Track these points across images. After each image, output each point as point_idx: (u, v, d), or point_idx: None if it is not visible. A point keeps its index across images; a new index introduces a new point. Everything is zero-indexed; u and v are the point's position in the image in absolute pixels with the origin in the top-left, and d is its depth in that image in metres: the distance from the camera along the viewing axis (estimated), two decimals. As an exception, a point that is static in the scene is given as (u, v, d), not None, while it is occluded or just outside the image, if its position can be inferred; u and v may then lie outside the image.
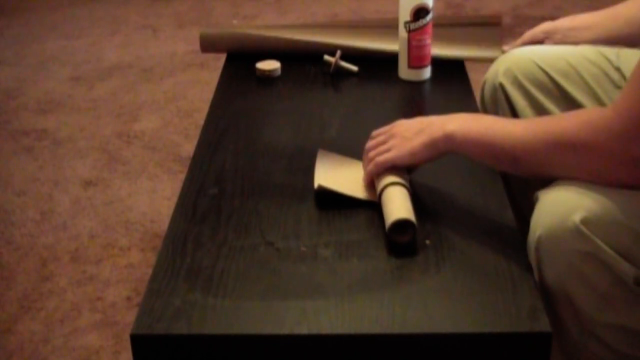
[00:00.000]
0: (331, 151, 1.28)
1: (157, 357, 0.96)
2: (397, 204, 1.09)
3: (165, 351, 0.95)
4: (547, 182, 1.05)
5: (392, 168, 1.15)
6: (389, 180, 1.13)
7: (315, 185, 1.18)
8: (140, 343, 0.95)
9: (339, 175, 1.21)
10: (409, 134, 1.14)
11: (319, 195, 1.18)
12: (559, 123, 1.01)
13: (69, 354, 1.60)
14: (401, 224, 1.06)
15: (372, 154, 1.17)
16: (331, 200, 1.17)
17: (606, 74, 1.31)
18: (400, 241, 1.07)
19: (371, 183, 1.17)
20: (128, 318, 1.67)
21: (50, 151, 2.37)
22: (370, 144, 1.19)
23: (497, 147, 1.05)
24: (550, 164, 1.02)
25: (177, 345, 0.95)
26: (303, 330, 0.94)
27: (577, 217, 0.95)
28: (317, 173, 1.21)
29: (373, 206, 1.15)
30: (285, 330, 0.94)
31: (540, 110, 1.32)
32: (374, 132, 1.20)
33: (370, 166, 1.16)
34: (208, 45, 1.70)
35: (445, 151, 1.10)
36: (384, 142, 1.16)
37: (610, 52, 1.34)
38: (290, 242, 1.09)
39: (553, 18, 1.57)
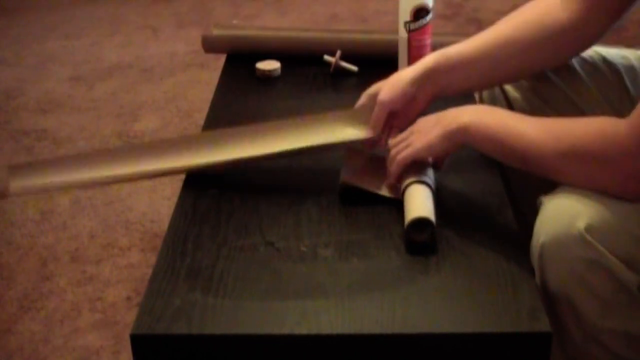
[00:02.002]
0: (332, 151, 1.28)
1: (157, 357, 0.96)
2: (417, 203, 1.09)
3: (165, 351, 0.95)
4: (549, 183, 1.05)
5: (417, 166, 1.15)
6: (413, 178, 1.13)
7: (340, 181, 1.18)
8: (140, 343, 0.95)
9: (364, 172, 1.21)
10: (426, 128, 1.14)
11: (343, 191, 1.18)
12: (571, 131, 1.01)
13: (69, 354, 1.60)
14: (419, 223, 1.06)
15: (393, 152, 1.17)
16: (355, 197, 1.17)
17: (604, 74, 1.31)
18: (418, 240, 1.07)
19: (396, 181, 1.18)
20: (128, 318, 1.67)
21: (50, 151, 2.37)
22: (391, 142, 1.19)
23: (508, 145, 1.05)
24: (558, 171, 1.02)
25: (177, 345, 0.95)
26: (303, 330, 0.94)
27: (581, 225, 0.95)
28: (343, 169, 1.21)
29: (376, 205, 1.15)
30: (285, 330, 0.94)
31: (539, 110, 1.32)
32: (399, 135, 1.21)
33: (393, 166, 1.16)
34: (210, 46, 1.70)
35: (461, 142, 1.11)
36: (404, 140, 1.17)
37: (608, 52, 1.34)
38: (290, 242, 1.09)
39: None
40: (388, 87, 1.23)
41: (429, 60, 1.23)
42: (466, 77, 1.24)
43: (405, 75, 1.23)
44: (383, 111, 1.22)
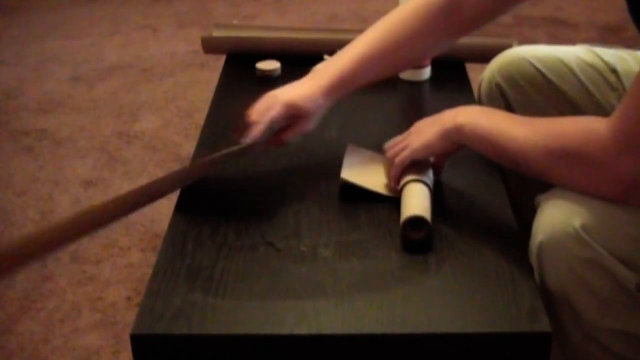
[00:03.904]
0: (332, 151, 1.28)
1: (157, 357, 0.96)
2: (414, 201, 1.09)
3: (165, 351, 0.95)
4: (548, 183, 1.05)
5: (417, 165, 1.15)
6: (411, 177, 1.14)
7: (340, 178, 1.18)
8: (140, 343, 0.95)
9: (364, 170, 1.21)
10: (423, 129, 1.15)
11: (342, 188, 1.18)
12: (558, 132, 1.01)
13: (69, 354, 1.60)
14: (415, 221, 1.06)
15: (390, 153, 1.17)
16: (354, 194, 1.17)
17: (602, 75, 1.31)
18: (413, 238, 1.07)
19: (396, 183, 1.18)
20: (128, 318, 1.67)
21: (50, 151, 2.37)
22: (388, 144, 1.20)
23: (501, 148, 1.06)
24: (548, 173, 1.03)
25: (177, 345, 0.95)
26: (303, 330, 0.94)
27: (577, 223, 0.96)
28: (344, 167, 1.21)
29: (376, 204, 1.15)
30: (285, 330, 0.94)
31: (537, 110, 1.32)
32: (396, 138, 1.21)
33: (392, 169, 1.17)
34: (210, 47, 1.70)
35: (458, 142, 1.11)
36: (401, 142, 1.17)
37: (606, 53, 1.34)
38: (290, 242, 1.09)
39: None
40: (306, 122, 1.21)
41: (329, 83, 1.22)
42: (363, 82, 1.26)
43: (316, 103, 1.21)
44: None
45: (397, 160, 1.15)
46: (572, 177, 1.00)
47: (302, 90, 1.21)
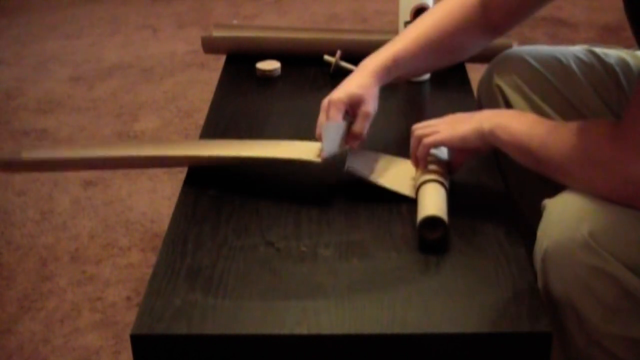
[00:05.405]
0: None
1: (157, 357, 0.96)
2: (431, 201, 1.09)
3: (165, 351, 0.95)
4: (549, 185, 1.05)
5: (435, 164, 1.16)
6: (428, 177, 1.14)
7: (345, 169, 1.18)
8: (140, 343, 0.95)
9: (369, 164, 1.22)
10: (459, 121, 1.15)
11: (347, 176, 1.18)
12: (573, 135, 1.01)
13: (69, 354, 1.60)
14: (432, 221, 1.06)
15: (419, 132, 1.17)
16: (355, 191, 1.17)
17: (601, 76, 1.31)
18: (429, 238, 1.07)
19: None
20: (128, 318, 1.67)
21: (50, 151, 2.37)
22: (416, 125, 1.19)
23: (529, 152, 1.06)
24: (566, 175, 1.03)
25: (177, 345, 0.95)
26: (303, 330, 0.94)
27: (585, 230, 0.95)
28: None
29: (376, 205, 1.15)
30: (285, 330, 0.94)
31: (536, 111, 1.32)
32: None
33: (420, 148, 1.16)
34: (210, 47, 1.70)
35: (491, 144, 1.11)
36: (431, 126, 1.17)
37: (605, 53, 1.34)
38: (290, 242, 1.09)
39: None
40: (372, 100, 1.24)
41: (381, 71, 1.26)
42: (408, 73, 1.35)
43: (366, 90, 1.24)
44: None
45: (429, 140, 1.15)
46: (587, 180, 0.99)
47: (350, 82, 1.25)
